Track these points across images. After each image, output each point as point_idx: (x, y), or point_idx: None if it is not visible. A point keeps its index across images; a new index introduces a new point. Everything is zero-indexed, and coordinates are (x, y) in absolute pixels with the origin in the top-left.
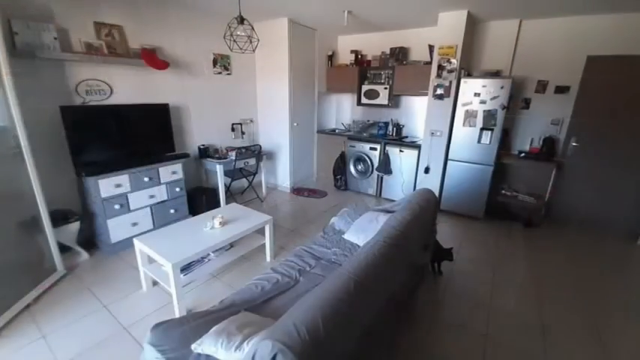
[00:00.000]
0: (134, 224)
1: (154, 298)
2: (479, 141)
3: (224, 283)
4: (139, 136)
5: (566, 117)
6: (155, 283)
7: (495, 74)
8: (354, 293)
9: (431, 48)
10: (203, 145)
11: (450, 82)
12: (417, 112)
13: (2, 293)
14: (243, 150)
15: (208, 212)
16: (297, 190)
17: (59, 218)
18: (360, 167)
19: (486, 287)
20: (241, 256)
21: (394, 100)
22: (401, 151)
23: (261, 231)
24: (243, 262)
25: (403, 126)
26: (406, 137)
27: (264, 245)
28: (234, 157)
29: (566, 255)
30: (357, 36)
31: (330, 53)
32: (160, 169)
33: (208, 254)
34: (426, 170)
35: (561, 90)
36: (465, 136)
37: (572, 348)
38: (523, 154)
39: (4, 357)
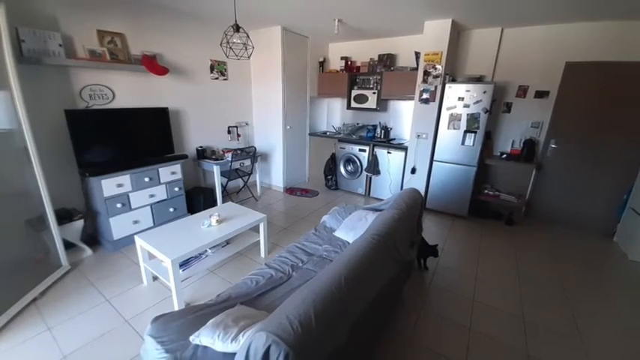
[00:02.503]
0: (135, 222)
1: (154, 292)
2: (463, 143)
3: (220, 278)
4: (140, 138)
5: (545, 120)
6: (155, 278)
7: (478, 79)
8: (344, 288)
9: (417, 55)
10: (201, 147)
11: (436, 87)
12: (404, 116)
13: (9, 287)
14: (239, 151)
15: (206, 211)
16: (290, 190)
17: (64, 216)
18: (349, 168)
19: (470, 282)
20: (237, 253)
21: (382, 104)
22: (389, 152)
23: (255, 228)
24: (239, 258)
25: (391, 129)
26: (393, 139)
27: (258, 242)
28: (230, 159)
29: (545, 251)
30: (347, 43)
31: (321, 59)
32: (160, 170)
33: (206, 251)
34: (413, 171)
35: (541, 95)
36: (449, 139)
37: (551, 339)
38: (505, 156)
39: (12, 348)
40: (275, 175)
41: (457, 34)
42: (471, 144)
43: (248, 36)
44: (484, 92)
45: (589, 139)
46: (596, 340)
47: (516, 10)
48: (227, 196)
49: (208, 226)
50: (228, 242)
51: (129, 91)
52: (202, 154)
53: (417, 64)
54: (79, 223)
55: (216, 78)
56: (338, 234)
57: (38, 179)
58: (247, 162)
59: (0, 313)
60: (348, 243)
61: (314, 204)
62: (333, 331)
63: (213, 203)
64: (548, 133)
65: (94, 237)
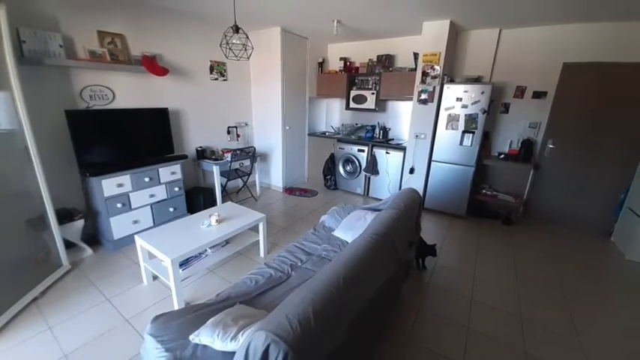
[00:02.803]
0: (135, 222)
1: (154, 291)
2: (461, 143)
3: (220, 278)
4: (140, 138)
5: (543, 120)
6: (155, 278)
7: (476, 80)
8: (342, 287)
9: (415, 55)
10: (200, 147)
11: (434, 88)
12: (403, 116)
13: (10, 287)
14: (239, 152)
15: (205, 211)
16: (289, 190)
17: (65, 216)
18: (348, 168)
19: (468, 282)
20: (236, 252)
21: (381, 105)
22: (387, 152)
23: (255, 228)
24: (238, 258)
25: (389, 129)
26: (392, 140)
27: (258, 242)
28: (229, 159)
29: (543, 251)
30: (346, 44)
31: (320, 60)
32: (160, 170)
33: (205, 250)
34: (411, 171)
35: (539, 95)
36: (447, 139)
37: (549, 338)
38: (502, 156)
39: (13, 347)
40: (274, 175)
41: (455, 34)
42: (469, 144)
43: (247, 37)
44: (482, 93)
45: (586, 139)
46: (593, 340)
47: (514, 11)
48: (227, 196)
49: (208, 226)
50: (227, 242)
51: (129, 91)
52: (202, 154)
53: (416, 65)
54: (80, 223)
55: (216, 79)
56: (337, 234)
57: (39, 179)
58: (247, 162)
59: (1, 312)
60: (347, 243)
61: (313, 204)
62: (332, 330)
63: (213, 203)
64: (545, 133)
65: (94, 237)
